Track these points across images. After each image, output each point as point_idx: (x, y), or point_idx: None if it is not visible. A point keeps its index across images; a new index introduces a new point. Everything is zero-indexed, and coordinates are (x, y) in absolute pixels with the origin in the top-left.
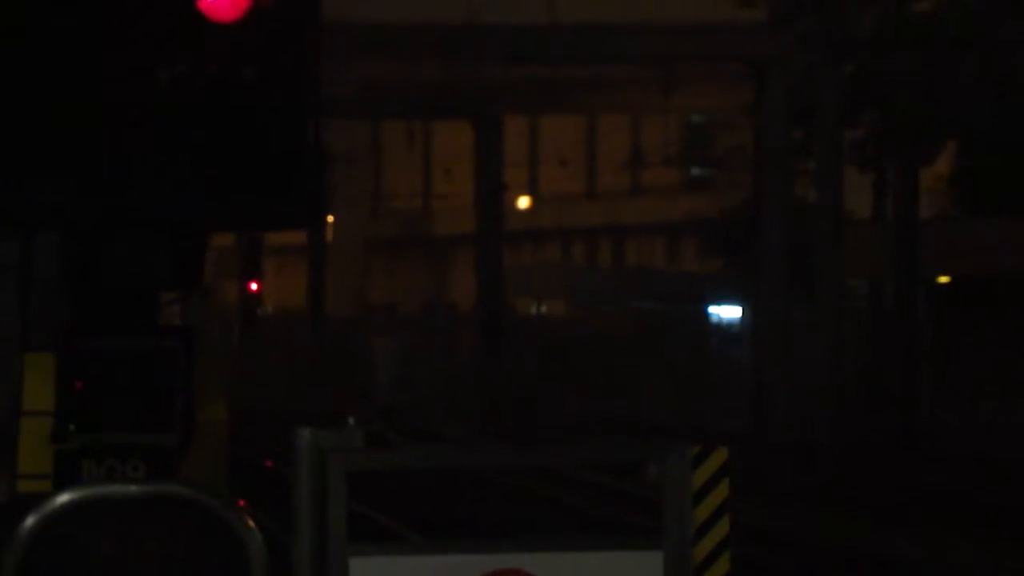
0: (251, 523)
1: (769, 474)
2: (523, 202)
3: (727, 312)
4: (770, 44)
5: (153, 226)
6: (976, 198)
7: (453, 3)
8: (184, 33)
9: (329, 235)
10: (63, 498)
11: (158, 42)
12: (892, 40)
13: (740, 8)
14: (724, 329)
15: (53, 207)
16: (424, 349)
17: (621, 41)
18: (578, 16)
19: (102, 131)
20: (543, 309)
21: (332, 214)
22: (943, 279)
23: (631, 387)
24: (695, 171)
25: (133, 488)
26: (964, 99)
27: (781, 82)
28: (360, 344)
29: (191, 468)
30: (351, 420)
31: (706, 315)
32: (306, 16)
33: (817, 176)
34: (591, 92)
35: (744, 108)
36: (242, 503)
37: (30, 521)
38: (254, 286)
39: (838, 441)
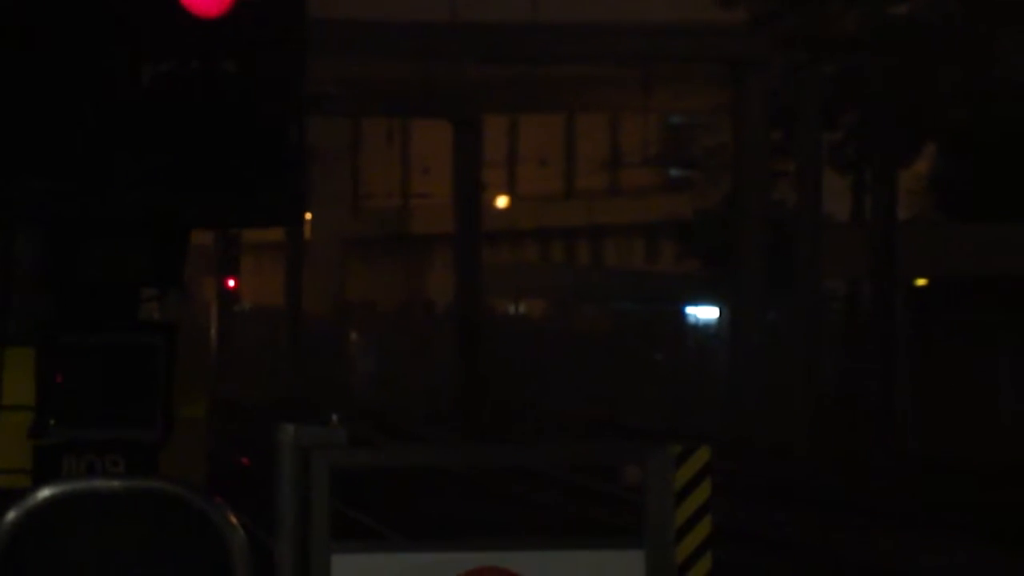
0: (233, 519)
1: (743, 474)
2: (502, 201)
3: (705, 313)
4: (749, 45)
5: (133, 222)
6: (955, 201)
7: (435, 1)
8: (167, 28)
9: (307, 232)
10: (45, 493)
11: (141, 37)
12: (871, 42)
13: (720, 9)
14: (702, 330)
15: (33, 203)
16: (401, 348)
17: (601, 41)
18: (559, 15)
19: (83, 127)
20: (521, 309)
21: (310, 211)
22: (921, 281)
23: (609, 387)
24: (674, 172)
25: (115, 484)
26: (942, 102)
27: (760, 83)
28: (337, 342)
29: (170, 464)
30: (334, 417)
31: (684, 316)
32: (291, 12)
33: (796, 177)
34: (570, 91)
35: (723, 109)
36: (218, 500)
37: (11, 516)
38: (231, 283)
39: (815, 442)
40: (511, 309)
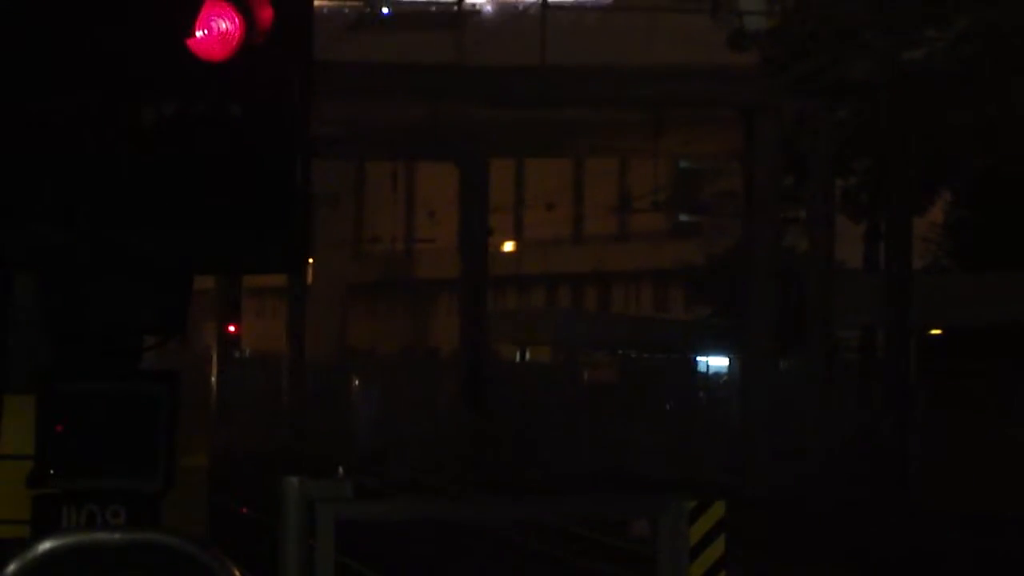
0: (237, 573)
1: (751, 528)
2: (508, 246)
3: (715, 361)
4: (761, 90)
5: (135, 268)
6: (969, 250)
7: (442, 44)
8: (172, 71)
9: (310, 277)
10: (46, 545)
11: (145, 80)
12: (885, 88)
13: (732, 53)
14: (712, 379)
15: (33, 248)
16: (405, 395)
17: (610, 84)
18: (567, 58)
19: (84, 171)
20: (527, 356)
21: (313, 255)
22: (935, 331)
23: (616, 437)
24: (683, 217)
25: (117, 536)
26: (956, 149)
27: (772, 128)
28: (339, 389)
29: (170, 515)
30: (340, 470)
31: (693, 364)
32: (296, 55)
33: (808, 224)
34: (579, 135)
35: (734, 154)
36: (221, 554)
37: (11, 569)
38: (232, 328)
39: (827, 494)
40: (517, 356)
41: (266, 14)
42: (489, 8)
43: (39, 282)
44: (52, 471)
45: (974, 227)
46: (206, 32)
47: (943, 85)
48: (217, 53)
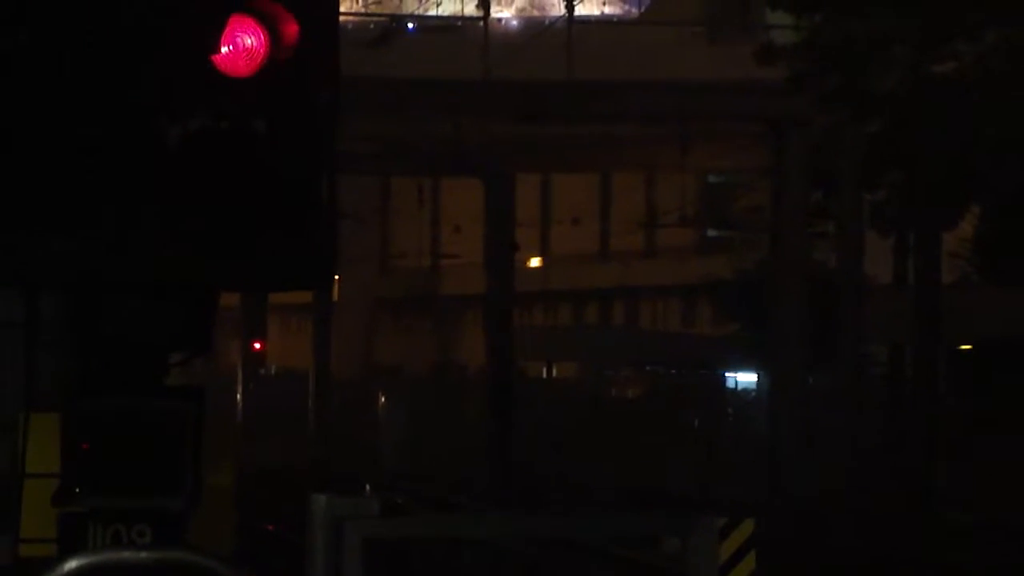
0: None
1: (779, 544)
2: (534, 262)
3: (743, 377)
4: (789, 104)
5: (161, 285)
6: (999, 264)
7: (468, 59)
8: (198, 88)
9: (336, 293)
10: (72, 564)
11: (171, 97)
12: (914, 101)
13: (759, 67)
14: (740, 395)
15: (60, 265)
16: (431, 411)
17: (637, 99)
18: (594, 73)
19: (110, 187)
20: (554, 372)
21: (339, 272)
22: (965, 346)
23: (644, 453)
24: (711, 232)
25: (143, 555)
26: (987, 162)
27: (800, 142)
28: (365, 405)
29: (196, 533)
30: (367, 488)
31: (722, 380)
32: (322, 71)
33: (837, 239)
34: (605, 150)
35: (762, 168)
36: (248, 573)
37: None
38: (257, 345)
39: (855, 510)
40: (544, 372)
41: (291, 30)
42: (515, 23)
43: (65, 300)
44: (78, 489)
45: (1003, 240)
46: (231, 48)
47: (972, 98)
48: (243, 69)
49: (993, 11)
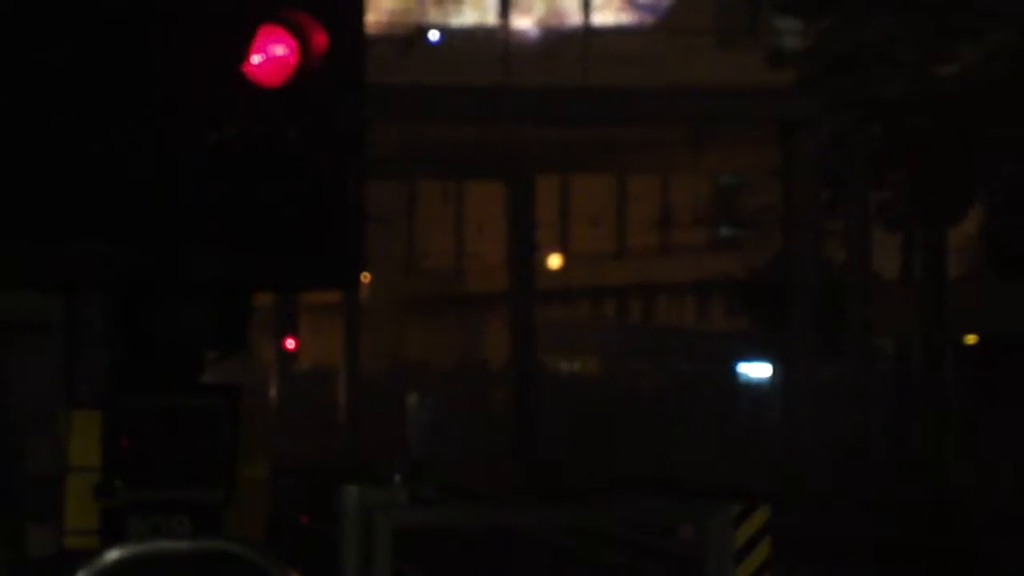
0: None
1: (797, 531)
2: (555, 260)
3: (756, 371)
4: (799, 106)
5: (196, 286)
6: (1004, 258)
7: (489, 65)
8: (231, 96)
9: (364, 293)
10: (114, 555)
11: (205, 104)
12: (920, 102)
13: (769, 70)
14: (753, 388)
15: (98, 266)
16: (457, 406)
17: (651, 103)
18: (610, 79)
19: (147, 191)
20: (575, 367)
21: (367, 272)
22: (971, 339)
23: (661, 445)
24: (724, 231)
25: (183, 544)
26: (991, 160)
27: (809, 143)
28: (394, 400)
29: (231, 525)
30: (397, 478)
31: (735, 374)
32: (350, 80)
33: (845, 236)
34: (622, 153)
35: (773, 169)
36: (283, 561)
37: None
38: (290, 343)
39: (866, 500)
40: (564, 367)
41: (320, 39)
42: (535, 32)
43: (104, 300)
44: (118, 483)
45: (1008, 235)
46: (263, 57)
47: (976, 100)
48: (274, 79)
49: (994, 16)
